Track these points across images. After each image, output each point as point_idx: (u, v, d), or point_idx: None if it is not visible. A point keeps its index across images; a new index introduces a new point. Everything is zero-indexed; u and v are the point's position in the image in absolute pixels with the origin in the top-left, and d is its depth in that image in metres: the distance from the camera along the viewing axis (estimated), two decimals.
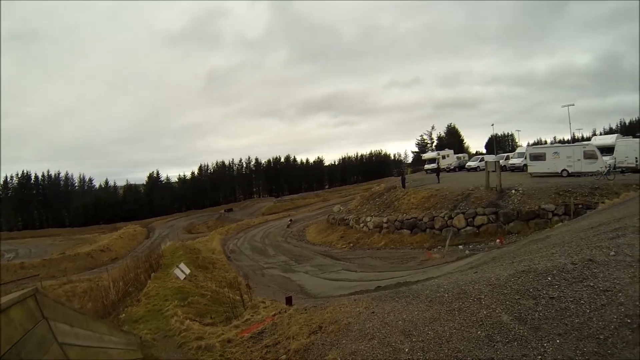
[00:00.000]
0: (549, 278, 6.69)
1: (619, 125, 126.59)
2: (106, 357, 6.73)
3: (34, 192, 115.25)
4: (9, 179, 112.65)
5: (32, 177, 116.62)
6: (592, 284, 6.06)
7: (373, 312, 7.94)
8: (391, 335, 6.71)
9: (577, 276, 6.48)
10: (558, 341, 5.02)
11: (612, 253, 7.04)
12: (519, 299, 6.35)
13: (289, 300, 12.03)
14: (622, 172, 35.33)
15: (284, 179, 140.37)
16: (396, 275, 22.69)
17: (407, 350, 6.15)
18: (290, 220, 65.02)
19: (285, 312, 10.57)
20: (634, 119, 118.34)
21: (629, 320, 4.95)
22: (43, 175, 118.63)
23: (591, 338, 4.87)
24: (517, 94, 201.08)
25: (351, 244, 37.17)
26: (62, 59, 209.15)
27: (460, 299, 7.10)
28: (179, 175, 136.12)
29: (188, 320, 13.58)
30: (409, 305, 7.75)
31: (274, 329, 9.68)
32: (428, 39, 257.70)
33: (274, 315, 10.84)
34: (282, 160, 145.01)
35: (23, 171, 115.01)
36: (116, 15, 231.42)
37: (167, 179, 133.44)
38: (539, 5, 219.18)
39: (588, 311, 5.41)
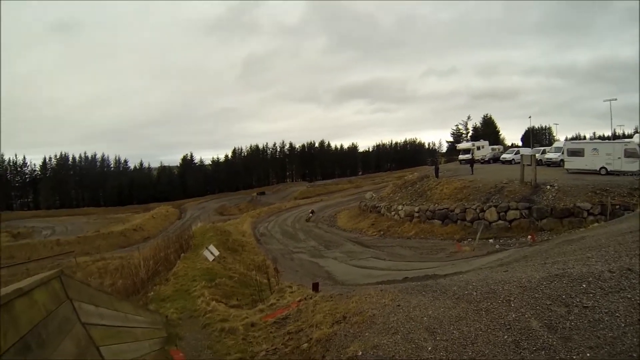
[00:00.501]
0: (584, 285, 6.43)
1: None
2: (130, 336, 6.83)
3: (71, 172, 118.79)
4: (47, 160, 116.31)
5: (70, 159, 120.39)
6: (629, 296, 5.76)
7: (398, 305, 7.85)
8: (415, 331, 6.59)
9: (614, 286, 6.19)
10: (588, 355, 4.80)
11: None
12: (550, 304, 6.12)
13: (315, 287, 12.06)
14: None
15: (317, 163, 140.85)
16: (425, 266, 22.65)
17: (430, 348, 6.01)
18: (312, 211, 59.08)
19: (311, 298, 10.65)
20: None
21: None
22: (80, 157, 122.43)
23: (624, 355, 4.62)
24: (556, 86, 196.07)
25: (381, 232, 37.26)
26: (102, 49, 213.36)
27: (489, 299, 6.92)
28: (213, 158, 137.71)
29: (214, 302, 13.71)
30: (435, 300, 7.62)
31: (298, 315, 9.75)
32: (466, 29, 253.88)
33: (300, 301, 10.93)
34: (317, 145, 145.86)
35: (61, 152, 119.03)
36: (154, 6, 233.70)
37: (201, 161, 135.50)
38: None
39: (623, 325, 5.14)
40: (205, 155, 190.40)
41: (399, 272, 21.04)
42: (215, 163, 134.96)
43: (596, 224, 21.96)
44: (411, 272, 20.34)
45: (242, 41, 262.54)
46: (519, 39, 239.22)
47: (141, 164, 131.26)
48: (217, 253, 21.99)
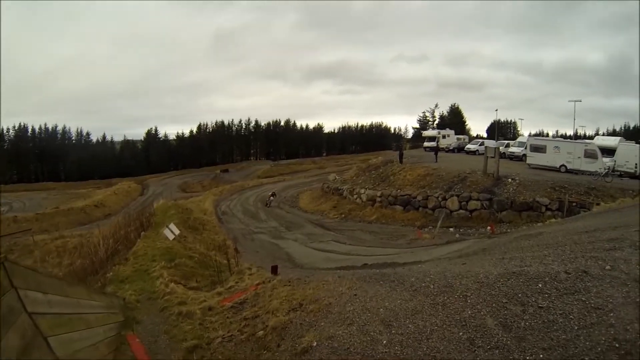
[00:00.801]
0: (540, 285, 6.47)
1: (622, 128, 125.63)
2: (82, 323, 6.64)
3: (31, 145, 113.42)
4: (5, 132, 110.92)
5: (29, 130, 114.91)
6: (583, 299, 5.83)
7: (355, 295, 7.87)
8: (371, 323, 6.60)
9: (570, 287, 6.25)
10: (542, 356, 4.83)
11: (608, 267, 6.79)
12: (506, 302, 6.16)
13: (274, 270, 12.02)
14: (620, 176, 35.83)
15: (282, 142, 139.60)
16: (385, 252, 22.89)
17: (385, 342, 6.04)
18: (273, 194, 50.50)
19: (269, 282, 10.61)
20: (638, 124, 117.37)
21: (617, 345, 4.72)
22: (40, 129, 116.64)
23: (576, 358, 4.67)
24: (524, 82, 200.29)
25: (343, 215, 37.33)
26: (66, 15, 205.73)
27: (446, 293, 6.95)
28: (178, 133, 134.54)
29: (172, 283, 13.53)
30: (392, 291, 7.65)
31: (256, 300, 9.70)
32: (438, 18, 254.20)
33: (258, 284, 10.89)
34: (282, 124, 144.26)
35: (20, 124, 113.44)
36: None
37: (165, 136, 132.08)
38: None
39: (576, 328, 5.19)
40: (170, 130, 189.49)
41: (359, 257, 21.05)
42: (180, 138, 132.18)
43: (553, 220, 22.41)
44: (371, 257, 20.42)
45: (214, 14, 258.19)
46: (489, 33, 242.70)
47: (104, 137, 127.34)
48: (177, 232, 21.67)
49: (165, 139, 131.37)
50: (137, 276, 14.76)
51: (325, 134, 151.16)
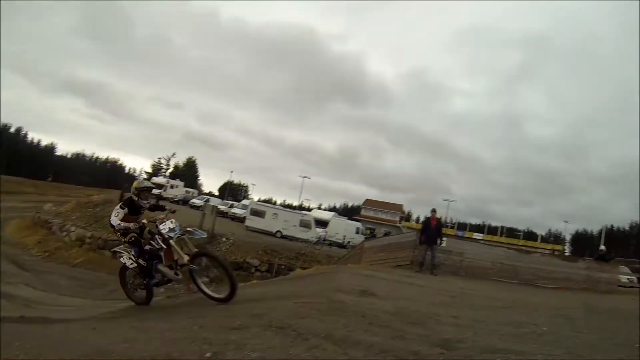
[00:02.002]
0: None
1: (341, 205, 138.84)
2: None
3: None
4: None
5: None
6: None
7: None
8: None
9: None
10: None
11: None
12: None
13: None
14: (330, 244, 41.37)
15: (5, 153, 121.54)
16: (67, 305, 20.18)
17: None
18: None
19: None
20: (354, 204, 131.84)
21: None
22: None
23: None
24: (263, 152, 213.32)
25: (47, 253, 33.52)
26: None
27: None
28: None
29: None
30: None
31: None
32: (207, 73, 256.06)
33: None
34: (12, 130, 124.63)
35: None
36: None
37: None
38: (306, 91, 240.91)
39: None
40: None
41: (38, 308, 18.80)
42: None
43: (255, 281, 23.00)
44: (49, 308, 18.26)
45: None
46: (246, 102, 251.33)
47: None
48: None
49: None
50: None
51: (57, 156, 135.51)
